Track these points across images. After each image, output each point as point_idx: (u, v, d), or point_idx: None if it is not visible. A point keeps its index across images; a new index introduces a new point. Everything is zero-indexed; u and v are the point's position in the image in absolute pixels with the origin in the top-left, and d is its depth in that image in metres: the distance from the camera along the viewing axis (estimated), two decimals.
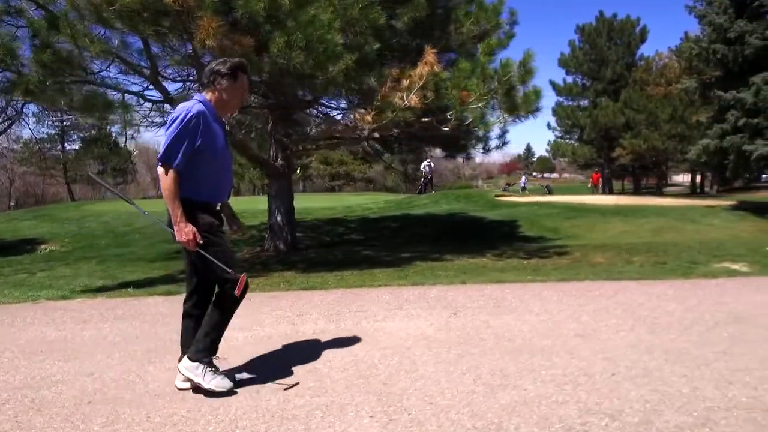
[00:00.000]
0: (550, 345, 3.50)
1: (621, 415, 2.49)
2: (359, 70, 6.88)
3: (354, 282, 5.93)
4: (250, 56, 6.37)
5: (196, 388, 2.88)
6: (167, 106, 8.35)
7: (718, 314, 4.06)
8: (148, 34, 6.28)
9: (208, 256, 2.80)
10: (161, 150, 2.82)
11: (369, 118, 6.75)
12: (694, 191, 38.97)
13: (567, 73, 35.39)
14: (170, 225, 2.82)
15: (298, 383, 2.96)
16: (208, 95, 2.94)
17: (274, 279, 6.77)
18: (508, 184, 42.29)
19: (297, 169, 49.58)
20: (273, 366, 3.27)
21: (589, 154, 34.83)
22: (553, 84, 35.97)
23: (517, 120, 9.10)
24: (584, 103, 35.63)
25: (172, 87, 9.66)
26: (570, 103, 35.97)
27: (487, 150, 9.42)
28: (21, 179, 49.52)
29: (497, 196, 24.83)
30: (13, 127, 31.74)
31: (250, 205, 18.29)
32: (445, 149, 11.25)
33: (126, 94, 7.91)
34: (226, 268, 2.82)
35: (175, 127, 2.77)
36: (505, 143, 9.54)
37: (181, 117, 2.77)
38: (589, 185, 35.74)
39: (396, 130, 7.94)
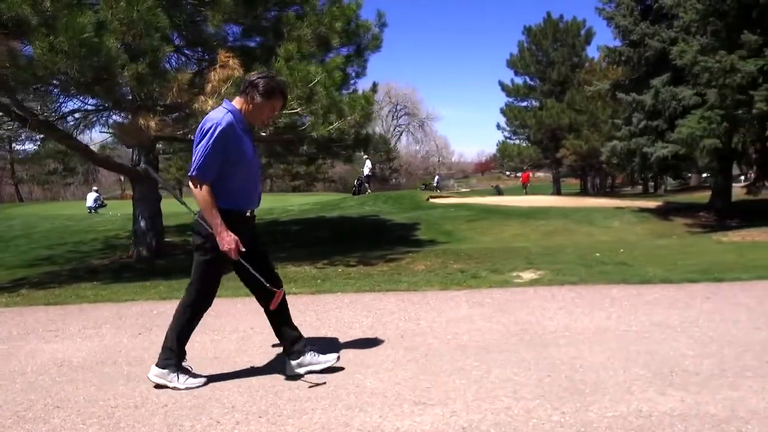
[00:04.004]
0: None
1: None
2: (154, 75, 6.66)
3: (106, 296, 5.74)
4: (18, 59, 6.14)
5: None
6: None
7: (383, 331, 3.93)
8: None
9: (246, 264, 2.96)
10: (193, 164, 2.86)
11: (153, 123, 6.53)
12: (646, 191, 39.35)
13: (515, 74, 35.51)
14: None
15: None
16: (239, 104, 2.98)
17: (67, 291, 6.56)
18: (424, 184, 44.69)
19: None
20: None
21: (536, 155, 34.94)
22: (501, 84, 36.04)
23: (359, 125, 9.01)
24: (534, 103, 35.76)
25: None
26: (519, 103, 36.07)
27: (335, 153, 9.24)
28: None
29: (432, 197, 24.80)
30: None
31: None
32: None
33: None
34: (264, 281, 3.03)
35: (206, 142, 2.82)
36: (357, 144, 9.41)
37: (211, 131, 2.82)
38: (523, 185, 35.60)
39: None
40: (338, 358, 3.19)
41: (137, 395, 2.95)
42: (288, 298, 5.23)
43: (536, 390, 2.84)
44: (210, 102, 6.68)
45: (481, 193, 33.10)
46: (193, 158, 2.88)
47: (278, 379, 3.12)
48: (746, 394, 2.70)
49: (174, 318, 3.09)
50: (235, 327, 4.24)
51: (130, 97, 7.81)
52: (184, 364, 3.06)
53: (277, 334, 3.23)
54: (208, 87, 6.87)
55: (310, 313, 4.55)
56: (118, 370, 3.37)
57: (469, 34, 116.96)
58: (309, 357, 3.14)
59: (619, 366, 3.13)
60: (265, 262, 3.16)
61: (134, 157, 10.63)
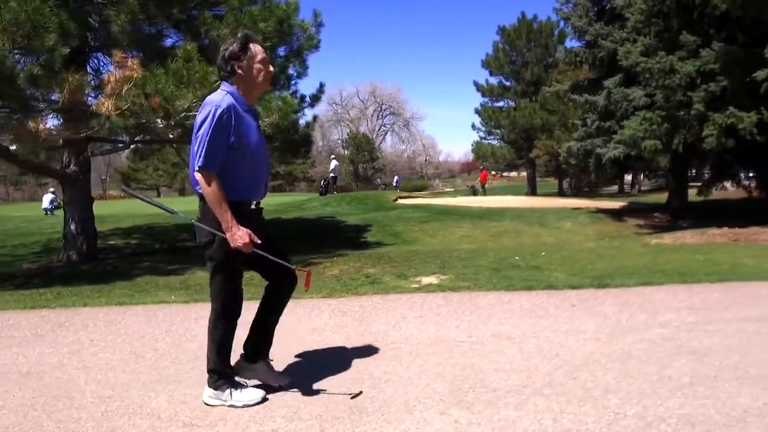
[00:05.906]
0: None
1: None
2: (50, 76, 6.49)
3: None
4: None
5: None
6: None
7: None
8: None
9: (264, 254, 2.71)
10: (197, 154, 2.59)
11: (41, 126, 6.37)
12: (621, 191, 39.59)
13: (490, 74, 35.47)
14: (201, 221, 2.72)
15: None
16: (233, 85, 2.70)
17: None
18: (384, 184, 45.03)
19: None
20: None
21: (509, 155, 34.94)
22: (477, 85, 36.02)
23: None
24: (510, 103, 35.76)
25: None
26: (494, 103, 36.08)
27: None
28: None
29: (400, 197, 24.72)
30: None
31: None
32: None
33: None
34: (289, 265, 2.85)
35: (207, 127, 2.56)
36: (292, 145, 9.30)
37: (211, 115, 2.56)
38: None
39: (125, 137, 7.56)
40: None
41: None
42: (158, 307, 5.15)
43: (318, 410, 2.72)
44: (107, 104, 6.52)
45: (455, 194, 33.03)
46: (196, 149, 2.60)
47: (83, 396, 2.98)
48: (526, 414, 2.60)
49: (209, 337, 2.84)
50: (75, 338, 4.10)
51: (53, 98, 7.65)
52: (237, 379, 2.89)
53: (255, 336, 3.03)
54: (108, 88, 6.70)
55: (161, 324, 4.41)
56: None
57: (460, 35, 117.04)
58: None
59: (424, 381, 3.02)
60: (277, 248, 2.88)
61: (65, 159, 10.45)
